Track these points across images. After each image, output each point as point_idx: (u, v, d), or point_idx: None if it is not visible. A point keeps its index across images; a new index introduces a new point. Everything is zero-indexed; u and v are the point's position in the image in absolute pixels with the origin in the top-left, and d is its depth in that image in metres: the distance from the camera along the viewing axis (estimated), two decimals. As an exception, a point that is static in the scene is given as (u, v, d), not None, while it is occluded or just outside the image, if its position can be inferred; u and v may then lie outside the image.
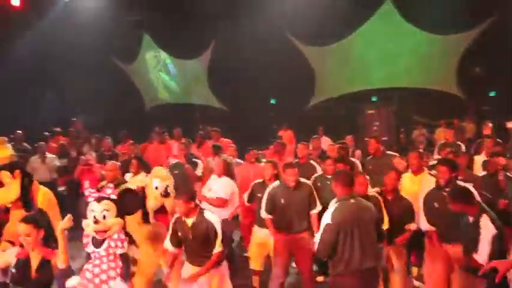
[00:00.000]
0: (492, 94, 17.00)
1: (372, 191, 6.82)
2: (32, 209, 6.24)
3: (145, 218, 6.84)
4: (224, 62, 17.97)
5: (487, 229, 5.34)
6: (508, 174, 7.82)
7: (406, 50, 16.68)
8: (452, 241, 6.10)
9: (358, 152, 11.41)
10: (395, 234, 6.60)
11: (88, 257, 5.69)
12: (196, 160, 10.14)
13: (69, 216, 5.13)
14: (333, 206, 5.50)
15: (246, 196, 8.10)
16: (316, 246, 5.46)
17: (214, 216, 6.10)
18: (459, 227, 5.71)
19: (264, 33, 16.73)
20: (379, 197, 6.67)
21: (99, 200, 5.54)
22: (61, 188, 12.12)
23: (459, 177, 6.80)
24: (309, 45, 17.62)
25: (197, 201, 6.30)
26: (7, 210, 6.44)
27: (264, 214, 7.27)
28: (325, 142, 13.20)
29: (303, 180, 7.34)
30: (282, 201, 7.10)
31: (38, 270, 4.97)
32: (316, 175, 8.37)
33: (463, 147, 10.41)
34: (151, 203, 6.84)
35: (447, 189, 6.18)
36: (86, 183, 9.33)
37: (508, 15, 14.34)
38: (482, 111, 16.09)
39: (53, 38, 17.86)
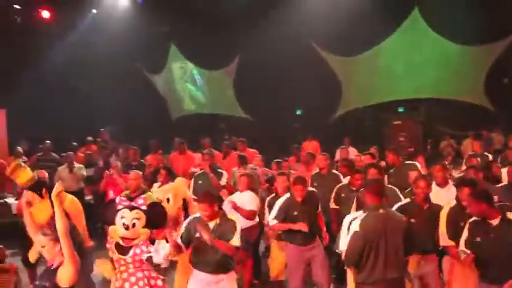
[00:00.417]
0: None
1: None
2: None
3: None
4: (250, 72, 18.01)
5: None
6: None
7: (433, 60, 16.56)
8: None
9: (382, 163, 11.33)
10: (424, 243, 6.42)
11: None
12: (221, 170, 10.13)
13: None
14: (362, 214, 5.49)
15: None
16: (343, 254, 5.49)
17: (235, 216, 6.15)
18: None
19: (290, 43, 16.76)
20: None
21: (131, 208, 5.65)
22: (88, 197, 12.27)
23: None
24: (335, 55, 17.60)
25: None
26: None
27: (272, 221, 7.21)
28: (352, 153, 13.17)
29: (310, 189, 7.38)
30: (295, 213, 7.08)
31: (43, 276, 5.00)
32: (341, 185, 8.36)
33: (491, 159, 10.28)
34: None
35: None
36: (111, 193, 9.49)
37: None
38: (511, 122, 15.89)
39: (81, 49, 18.13)
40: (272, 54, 17.10)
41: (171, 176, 8.99)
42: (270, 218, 7.25)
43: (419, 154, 11.70)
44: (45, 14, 17.52)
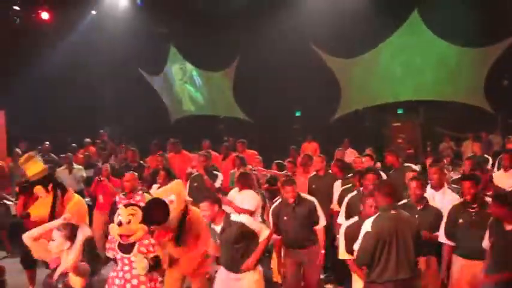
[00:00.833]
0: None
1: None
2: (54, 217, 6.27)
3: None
4: (249, 73, 18.05)
5: None
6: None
7: (433, 62, 16.59)
8: (475, 257, 6.00)
9: (378, 165, 11.29)
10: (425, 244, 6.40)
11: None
12: (216, 172, 10.07)
13: None
14: (373, 216, 5.48)
15: None
16: (355, 254, 5.51)
17: (240, 216, 6.07)
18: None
19: (289, 45, 16.78)
20: None
21: (126, 205, 5.67)
22: (87, 199, 12.24)
23: (488, 193, 6.69)
24: (334, 57, 17.60)
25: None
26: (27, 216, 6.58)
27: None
28: (351, 154, 13.14)
29: (304, 195, 7.29)
30: (285, 218, 7.04)
31: (59, 279, 5.00)
32: (345, 187, 8.30)
33: (491, 161, 10.27)
34: None
35: (474, 205, 6.13)
36: (100, 198, 9.48)
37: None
38: (510, 124, 15.91)
39: (80, 50, 18.16)
40: (271, 56, 17.12)
41: (170, 177, 8.96)
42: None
43: (429, 156, 11.65)
44: (45, 15, 17.52)
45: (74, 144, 14.91)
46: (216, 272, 6.32)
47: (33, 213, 6.38)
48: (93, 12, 19.17)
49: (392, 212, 5.45)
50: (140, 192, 7.61)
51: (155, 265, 5.61)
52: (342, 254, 6.09)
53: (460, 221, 6.18)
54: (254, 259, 5.95)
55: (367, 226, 5.37)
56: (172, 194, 6.53)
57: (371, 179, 6.97)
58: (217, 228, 5.98)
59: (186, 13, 18.41)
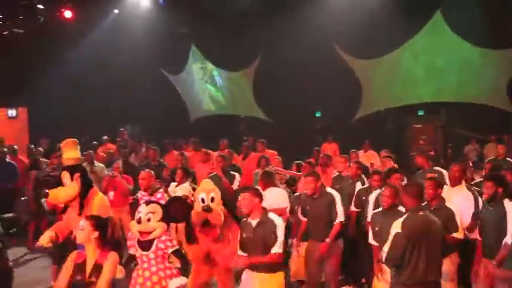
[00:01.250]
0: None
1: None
2: (82, 212, 6.32)
3: (189, 237, 6.63)
4: (270, 73, 18.04)
5: None
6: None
7: (455, 63, 16.42)
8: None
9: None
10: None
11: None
12: (233, 173, 10.07)
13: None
14: (402, 216, 5.49)
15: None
16: (384, 256, 5.47)
17: (278, 218, 6.06)
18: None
19: (310, 44, 16.72)
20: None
21: (147, 203, 5.71)
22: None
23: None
24: (356, 57, 17.52)
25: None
26: (64, 211, 6.60)
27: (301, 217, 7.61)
28: (372, 156, 13.08)
29: (328, 190, 7.46)
30: (308, 208, 7.38)
31: (92, 273, 5.07)
32: (362, 188, 8.37)
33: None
34: (193, 218, 6.73)
35: (491, 204, 6.29)
36: (111, 195, 9.50)
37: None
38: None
39: (102, 49, 18.28)
40: (292, 55, 17.10)
41: (188, 175, 9.01)
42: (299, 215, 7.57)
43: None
44: (68, 14, 17.65)
45: (94, 142, 15.02)
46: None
47: (51, 196, 6.42)
48: (116, 11, 19.28)
49: (421, 213, 5.46)
50: (161, 190, 7.65)
51: (180, 257, 5.66)
52: (371, 240, 6.56)
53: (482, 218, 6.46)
54: (255, 260, 5.89)
55: (397, 227, 5.36)
56: (213, 192, 6.59)
57: (398, 178, 7.38)
58: (253, 222, 5.96)
59: (208, 12, 18.42)
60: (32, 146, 14.34)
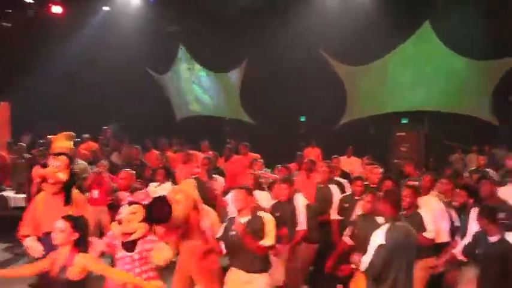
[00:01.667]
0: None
1: None
2: (70, 203, 6.38)
3: None
4: (256, 76, 18.05)
5: None
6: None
7: (441, 73, 16.56)
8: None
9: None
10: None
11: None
12: (215, 176, 10.00)
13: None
14: (383, 226, 5.42)
15: None
16: (364, 267, 5.36)
17: (267, 215, 6.09)
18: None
19: (298, 49, 16.79)
20: None
21: (130, 203, 5.65)
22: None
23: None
24: (343, 63, 17.60)
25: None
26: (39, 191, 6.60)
27: None
28: (354, 162, 13.14)
29: (296, 196, 7.50)
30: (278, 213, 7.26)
31: (60, 273, 5.01)
32: (344, 195, 8.36)
33: (494, 174, 10.23)
34: None
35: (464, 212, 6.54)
36: (95, 193, 9.43)
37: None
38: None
39: (91, 45, 18.20)
40: (280, 59, 17.14)
41: (169, 176, 8.98)
42: None
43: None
44: (57, 9, 17.55)
45: (78, 139, 14.91)
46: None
47: (46, 171, 6.39)
48: (106, 8, 19.22)
49: (401, 224, 5.43)
50: (144, 190, 7.54)
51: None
52: (346, 237, 6.56)
53: None
54: (251, 244, 5.86)
55: (379, 238, 5.28)
56: (181, 193, 6.53)
57: (389, 185, 7.38)
58: (242, 220, 5.97)
59: (197, 12, 18.41)
60: (12, 140, 14.14)
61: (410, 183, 7.69)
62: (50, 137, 7.21)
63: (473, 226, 6.16)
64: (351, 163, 13.07)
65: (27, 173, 11.44)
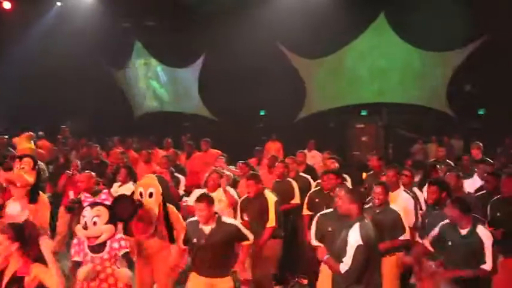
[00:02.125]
0: (481, 112, 17.09)
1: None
2: (35, 201, 6.41)
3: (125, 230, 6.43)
4: (215, 71, 17.97)
5: (489, 238, 5.51)
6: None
7: (398, 65, 16.79)
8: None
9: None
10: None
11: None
12: (177, 175, 9.88)
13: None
14: (355, 226, 5.27)
15: None
16: (344, 269, 5.17)
17: (231, 219, 6.16)
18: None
19: (256, 44, 16.70)
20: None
21: (92, 205, 5.52)
22: (48, 194, 11.93)
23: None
24: (300, 57, 17.65)
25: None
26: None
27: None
28: (316, 156, 13.17)
29: (266, 192, 7.44)
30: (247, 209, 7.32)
31: (8, 285, 4.69)
32: (314, 190, 8.18)
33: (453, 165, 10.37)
34: None
35: (436, 208, 6.35)
36: (71, 194, 9.22)
37: (499, 35, 14.47)
38: (471, 129, 16.19)
39: (43, 42, 17.83)
40: (238, 54, 17.04)
41: (131, 175, 8.82)
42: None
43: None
44: (6, 4, 17.14)
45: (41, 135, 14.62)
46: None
47: (15, 175, 6.37)
48: (58, 3, 18.85)
49: (368, 220, 5.41)
50: (106, 190, 7.38)
51: (128, 260, 5.54)
52: (313, 241, 6.33)
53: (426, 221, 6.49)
54: (242, 260, 6.08)
55: (355, 238, 5.16)
56: (151, 187, 6.46)
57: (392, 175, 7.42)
58: (206, 228, 5.90)
59: (152, 8, 18.21)
60: None
61: (381, 179, 7.69)
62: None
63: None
64: (312, 156, 13.09)
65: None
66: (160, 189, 6.56)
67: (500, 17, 14.25)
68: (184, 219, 6.73)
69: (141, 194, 6.43)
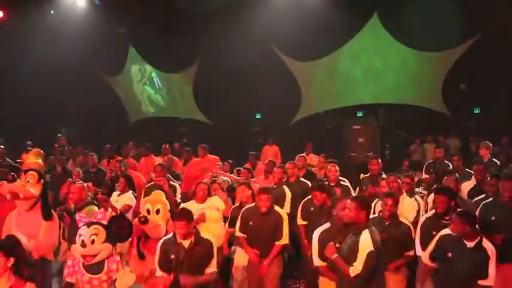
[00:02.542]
0: (477, 111, 17.13)
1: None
2: (51, 217, 6.41)
3: (139, 252, 6.51)
4: (210, 75, 17.93)
5: (494, 253, 5.50)
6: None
7: (392, 66, 16.80)
8: None
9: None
10: (392, 260, 6.36)
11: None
12: (174, 183, 9.81)
13: None
14: (365, 232, 5.33)
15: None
16: (355, 273, 5.22)
17: (210, 236, 6.01)
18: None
19: (251, 47, 16.71)
20: None
21: (89, 224, 5.44)
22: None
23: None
24: (296, 59, 17.64)
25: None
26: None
27: (238, 233, 7.22)
28: (313, 159, 13.11)
29: (276, 208, 7.18)
30: (251, 223, 7.04)
31: None
32: (308, 198, 7.91)
33: (451, 166, 10.35)
34: None
35: (446, 218, 6.21)
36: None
37: (494, 33, 14.49)
38: (466, 128, 16.22)
39: (37, 49, 17.74)
40: (233, 58, 17.03)
41: (130, 184, 8.76)
42: (236, 230, 7.22)
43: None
44: (-1, 13, 17.08)
45: (29, 148, 14.50)
46: None
47: (16, 185, 6.30)
48: (52, 12, 18.77)
49: (373, 227, 5.45)
50: (102, 210, 7.30)
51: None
52: (316, 261, 6.01)
53: (434, 233, 6.16)
54: (197, 281, 5.77)
55: (367, 243, 5.23)
56: (159, 203, 6.45)
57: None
58: (185, 242, 5.82)
59: (147, 14, 18.18)
60: None
61: (381, 184, 7.72)
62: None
63: None
64: (310, 159, 13.03)
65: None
66: (168, 205, 6.58)
67: (494, 15, 14.29)
68: None
69: (148, 211, 6.47)
